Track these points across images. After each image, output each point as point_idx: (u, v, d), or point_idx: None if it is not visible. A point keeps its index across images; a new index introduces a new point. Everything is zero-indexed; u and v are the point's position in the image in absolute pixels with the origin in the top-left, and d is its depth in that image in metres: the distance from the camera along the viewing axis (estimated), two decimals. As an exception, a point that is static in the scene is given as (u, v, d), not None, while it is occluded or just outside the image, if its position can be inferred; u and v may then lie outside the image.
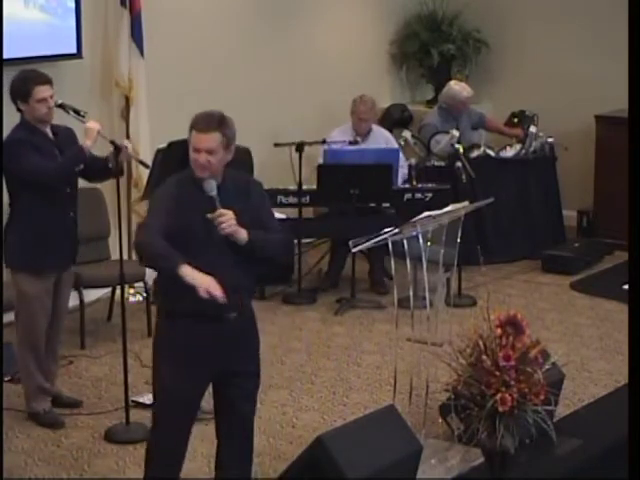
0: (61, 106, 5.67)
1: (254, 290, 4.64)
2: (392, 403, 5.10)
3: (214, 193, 4.22)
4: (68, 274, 5.83)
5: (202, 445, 5.30)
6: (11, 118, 5.72)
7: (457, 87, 8.86)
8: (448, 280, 6.03)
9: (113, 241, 6.99)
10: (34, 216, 5.56)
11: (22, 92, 5.51)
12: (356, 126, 8.18)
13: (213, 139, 4.20)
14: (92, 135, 5.58)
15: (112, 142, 5.58)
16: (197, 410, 4.53)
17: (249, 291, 4.47)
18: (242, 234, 4.22)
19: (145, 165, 6.00)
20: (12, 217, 5.66)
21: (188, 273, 4.11)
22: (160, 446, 4.46)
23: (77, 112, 5.74)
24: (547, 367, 4.79)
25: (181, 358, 4.31)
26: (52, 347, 5.85)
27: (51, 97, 5.54)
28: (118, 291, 6.63)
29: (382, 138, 8.35)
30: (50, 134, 5.64)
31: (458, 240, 5.72)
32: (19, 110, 5.58)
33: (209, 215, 4.20)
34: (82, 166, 5.56)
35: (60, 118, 5.74)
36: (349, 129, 8.20)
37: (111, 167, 5.55)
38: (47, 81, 5.55)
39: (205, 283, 4.10)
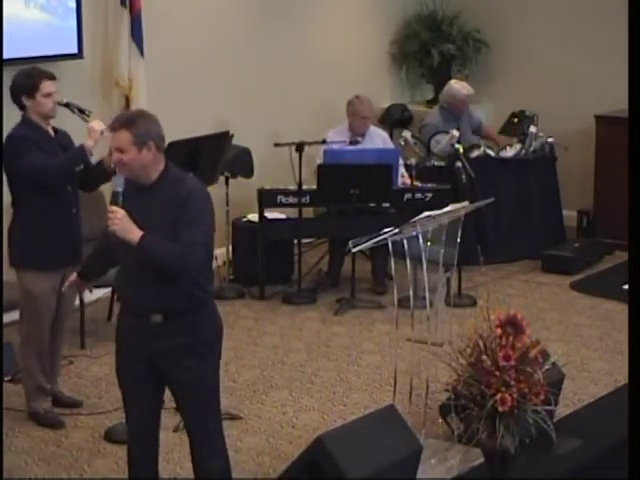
0: (67, 105, 5.67)
1: (192, 298, 4.29)
2: (392, 403, 5.11)
3: (119, 189, 4.28)
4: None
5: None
6: (12, 117, 5.73)
7: (457, 86, 8.87)
8: (448, 280, 6.01)
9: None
10: (36, 214, 5.55)
11: (29, 87, 5.49)
12: (356, 126, 8.14)
13: (120, 138, 4.24)
14: (94, 135, 5.54)
15: None
16: (152, 405, 4.45)
17: (181, 297, 4.27)
18: (132, 236, 4.20)
19: None
20: (15, 216, 5.65)
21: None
22: (129, 444, 4.54)
23: (82, 111, 5.74)
24: (547, 367, 4.78)
25: (118, 348, 4.47)
26: (56, 346, 5.85)
27: (56, 93, 5.55)
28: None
29: (379, 138, 8.32)
30: (52, 132, 5.64)
31: (458, 240, 5.72)
32: (21, 108, 5.56)
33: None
34: (82, 166, 5.52)
35: (64, 118, 5.74)
36: (345, 130, 8.16)
37: (109, 169, 5.51)
38: (52, 77, 5.57)
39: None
